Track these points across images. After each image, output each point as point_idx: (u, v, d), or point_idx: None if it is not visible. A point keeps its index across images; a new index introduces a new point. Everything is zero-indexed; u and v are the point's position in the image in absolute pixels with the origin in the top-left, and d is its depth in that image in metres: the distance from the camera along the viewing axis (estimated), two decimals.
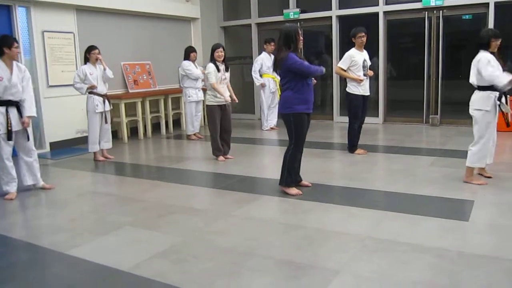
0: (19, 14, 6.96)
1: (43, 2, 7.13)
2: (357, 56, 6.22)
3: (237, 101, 6.46)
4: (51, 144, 7.41)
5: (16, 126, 4.80)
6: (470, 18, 8.75)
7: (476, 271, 2.89)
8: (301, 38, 4.61)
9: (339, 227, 3.76)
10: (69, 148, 7.52)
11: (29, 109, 4.87)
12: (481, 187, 4.69)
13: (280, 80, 4.76)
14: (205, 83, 6.22)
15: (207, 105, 6.24)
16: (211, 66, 6.11)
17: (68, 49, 7.62)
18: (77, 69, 7.63)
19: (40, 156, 5.63)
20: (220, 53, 6.14)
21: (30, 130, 4.98)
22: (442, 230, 3.59)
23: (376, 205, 4.26)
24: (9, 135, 4.74)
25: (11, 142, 4.83)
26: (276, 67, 4.67)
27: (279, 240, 3.56)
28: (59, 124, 7.40)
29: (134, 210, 4.41)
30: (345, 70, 6.27)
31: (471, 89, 4.82)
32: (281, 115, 4.76)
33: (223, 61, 6.23)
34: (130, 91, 8.62)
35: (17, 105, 4.82)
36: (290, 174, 4.68)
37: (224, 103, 6.21)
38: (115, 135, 8.11)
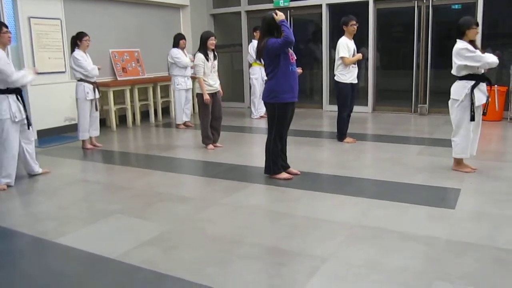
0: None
1: None
2: (349, 44, 6.22)
3: (221, 94, 6.43)
4: (39, 132, 7.31)
5: (19, 115, 4.77)
6: (460, 8, 8.77)
7: (463, 259, 2.93)
8: None
9: (328, 215, 3.79)
10: (57, 136, 7.45)
11: None
12: (468, 175, 4.74)
13: (265, 69, 4.73)
14: (194, 71, 6.17)
15: (198, 94, 6.20)
16: (200, 57, 6.05)
17: (55, 35, 7.51)
18: (65, 56, 7.59)
19: None
20: (213, 41, 6.11)
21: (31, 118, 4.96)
22: (430, 218, 3.64)
23: (365, 193, 4.30)
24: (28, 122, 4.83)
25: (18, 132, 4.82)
26: (260, 55, 4.62)
27: (267, 228, 3.59)
28: (47, 112, 7.31)
29: (123, 198, 4.40)
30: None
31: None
32: (265, 103, 4.73)
33: (213, 49, 6.20)
34: (119, 78, 8.54)
35: (21, 93, 4.79)
36: (275, 162, 4.71)
37: (215, 91, 6.19)
38: (104, 123, 8.05)
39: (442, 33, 8.76)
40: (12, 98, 4.69)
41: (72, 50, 6.30)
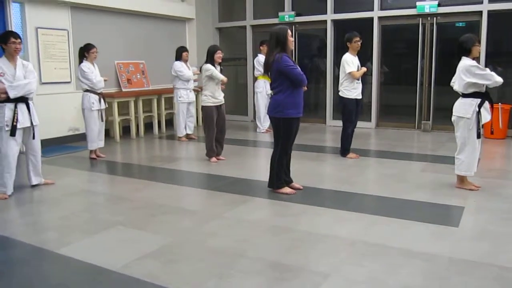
0: (13, 10, 6.91)
1: None
2: (354, 60, 6.26)
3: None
4: (43, 141, 7.27)
5: (24, 123, 4.77)
6: (464, 26, 8.82)
7: (466, 277, 2.91)
8: (292, 39, 4.63)
9: (330, 230, 3.76)
10: (61, 145, 7.47)
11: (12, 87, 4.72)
12: (472, 193, 4.72)
13: (271, 83, 4.75)
14: (204, 83, 6.20)
15: (203, 106, 6.23)
16: (209, 66, 6.12)
17: (61, 46, 7.58)
18: (70, 66, 7.65)
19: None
20: (220, 55, 6.20)
21: (36, 129, 4.93)
22: (432, 236, 3.61)
23: (367, 209, 4.28)
24: (12, 130, 4.70)
25: (19, 141, 4.81)
26: (268, 69, 4.67)
27: (269, 242, 3.56)
28: (51, 122, 7.34)
29: (126, 209, 4.39)
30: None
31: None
32: (270, 118, 4.75)
33: (219, 63, 6.27)
34: (123, 90, 8.59)
35: (27, 102, 4.80)
36: (279, 177, 4.70)
37: (220, 103, 6.22)
38: (107, 133, 8.04)
39: (446, 50, 8.79)
40: (9, 106, 4.66)
41: (80, 61, 6.35)
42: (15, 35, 4.78)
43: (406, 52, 9.55)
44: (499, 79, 4.54)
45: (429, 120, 8.88)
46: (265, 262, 3.18)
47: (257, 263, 3.15)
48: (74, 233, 3.78)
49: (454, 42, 8.84)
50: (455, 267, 3.06)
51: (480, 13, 8.15)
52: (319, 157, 6.77)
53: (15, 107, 4.68)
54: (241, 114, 10.87)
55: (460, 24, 8.91)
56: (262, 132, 8.96)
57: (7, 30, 4.98)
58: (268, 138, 8.50)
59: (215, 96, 6.15)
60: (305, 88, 4.73)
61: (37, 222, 4.14)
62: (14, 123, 4.69)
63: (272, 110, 4.63)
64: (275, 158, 4.70)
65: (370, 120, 9.39)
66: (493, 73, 4.56)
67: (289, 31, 4.54)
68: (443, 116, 8.81)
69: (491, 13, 8.07)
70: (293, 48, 4.72)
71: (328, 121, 9.91)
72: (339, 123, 6.63)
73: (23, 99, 4.78)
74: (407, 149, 7.30)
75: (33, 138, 4.92)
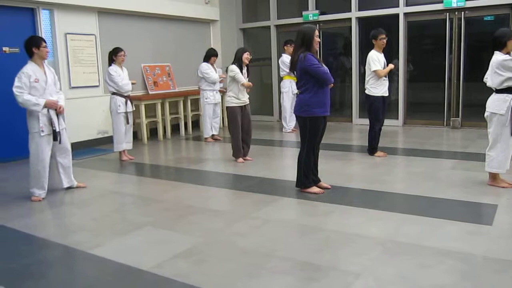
0: (43, 16, 7.09)
1: (66, 5, 7.25)
2: (380, 57, 6.18)
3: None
4: (73, 144, 7.43)
5: (57, 127, 4.85)
6: (492, 20, 8.61)
7: (501, 276, 2.84)
8: (318, 39, 4.60)
9: (359, 229, 3.73)
10: (90, 148, 7.63)
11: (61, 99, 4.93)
12: (505, 191, 4.61)
13: (297, 82, 4.74)
14: (228, 83, 6.24)
15: (228, 107, 6.27)
16: (234, 67, 6.15)
17: (89, 51, 7.73)
18: (98, 70, 7.80)
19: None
20: (248, 55, 6.26)
21: (64, 132, 4.99)
22: (465, 234, 3.54)
23: (397, 208, 4.22)
24: (54, 135, 4.80)
25: (51, 145, 4.87)
26: (293, 68, 4.66)
27: (298, 242, 3.56)
28: (81, 125, 7.51)
29: (155, 210, 4.45)
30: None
31: (492, 91, 4.74)
32: (297, 117, 4.74)
33: (247, 64, 6.30)
34: (150, 92, 8.70)
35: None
36: (307, 176, 4.69)
37: (244, 104, 6.25)
38: (135, 136, 8.18)
39: (474, 45, 8.61)
40: (42, 112, 4.71)
41: (109, 65, 6.48)
42: (44, 39, 4.89)
43: (433, 48, 9.38)
44: None
45: (458, 117, 8.70)
46: (295, 262, 3.17)
47: (286, 263, 3.14)
48: (105, 234, 3.85)
49: (483, 37, 8.83)
50: (490, 266, 2.99)
51: (510, 6, 7.95)
52: (346, 156, 6.72)
53: (48, 111, 4.78)
54: (266, 114, 10.87)
55: (489, 18, 8.70)
56: (288, 132, 8.94)
57: (32, 35, 5.04)
58: (294, 138, 8.48)
59: (238, 97, 6.18)
60: (332, 85, 4.69)
61: (69, 223, 4.24)
62: (54, 128, 4.79)
63: (298, 109, 4.63)
64: (302, 157, 4.68)
65: (397, 118, 9.25)
66: None
67: (316, 31, 4.52)
68: (472, 113, 8.64)
69: None
70: (318, 48, 4.64)
71: (354, 120, 9.81)
72: (366, 121, 6.56)
73: None
74: (436, 146, 7.17)
75: (59, 142, 4.91)
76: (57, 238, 3.78)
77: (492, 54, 4.66)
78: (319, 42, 4.62)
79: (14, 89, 4.61)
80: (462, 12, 8.43)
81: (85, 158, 6.98)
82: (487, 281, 2.79)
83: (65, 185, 5.18)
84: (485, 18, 8.71)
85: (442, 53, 8.75)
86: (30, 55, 4.75)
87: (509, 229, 3.67)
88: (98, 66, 7.84)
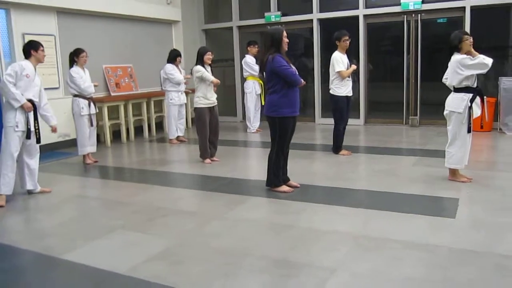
0: None
1: (23, 4, 7.01)
2: (343, 58, 6.33)
3: None
4: None
5: (32, 126, 4.85)
6: (446, 22, 8.98)
7: (467, 267, 2.98)
8: (287, 40, 4.67)
9: (331, 226, 3.82)
10: (52, 152, 7.40)
11: (53, 118, 5.21)
12: (465, 185, 4.83)
13: (266, 82, 4.79)
14: (196, 84, 6.21)
15: (196, 108, 6.24)
16: (200, 67, 6.12)
17: (48, 52, 7.43)
18: (58, 71, 7.59)
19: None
20: (209, 56, 6.21)
21: (35, 133, 4.94)
22: (431, 227, 3.69)
23: (364, 204, 4.35)
24: (28, 133, 4.82)
25: (23, 142, 4.86)
26: (262, 69, 4.71)
27: (272, 240, 3.60)
28: (41, 128, 7.23)
29: (124, 213, 4.38)
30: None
31: (449, 90, 4.95)
32: (266, 117, 4.79)
33: (210, 64, 6.28)
34: (112, 94, 8.54)
35: (35, 106, 4.88)
36: (277, 175, 4.75)
37: (213, 105, 6.24)
38: (98, 138, 7.98)
39: (430, 46, 8.95)
40: (20, 110, 4.76)
41: (71, 66, 6.31)
42: (42, 44, 5.04)
43: (392, 49, 9.70)
44: (489, 61, 4.56)
45: (417, 115, 9.01)
46: (270, 260, 3.22)
47: (262, 261, 3.19)
48: (76, 238, 3.76)
49: (438, 38, 9.18)
50: (456, 257, 3.14)
51: (463, 8, 8.31)
52: (312, 155, 6.84)
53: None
54: (230, 115, 10.88)
55: (441, 20, 9.07)
56: (253, 132, 8.99)
57: (32, 40, 5.16)
58: (259, 138, 8.55)
59: (207, 97, 6.17)
60: (304, 82, 4.76)
61: (37, 229, 4.12)
62: (28, 127, 4.80)
63: (267, 110, 4.68)
64: (272, 157, 4.74)
65: (358, 117, 9.48)
66: (483, 56, 4.57)
67: (284, 32, 4.59)
68: (429, 111, 8.98)
69: (473, 9, 8.23)
70: (287, 48, 4.71)
71: (317, 119, 9.98)
72: (329, 121, 6.72)
73: (32, 103, 4.87)
74: (397, 144, 7.41)
75: (38, 142, 4.97)
76: (24, 244, 3.67)
77: (450, 55, 4.86)
78: (288, 44, 4.66)
79: (5, 76, 4.72)
80: (419, 15, 8.75)
81: (47, 162, 6.76)
82: (455, 272, 2.92)
83: (28, 187, 5.03)
84: (438, 20, 9.07)
85: (400, 54, 9.06)
86: (27, 57, 4.90)
87: (471, 221, 3.86)
88: (58, 67, 7.63)
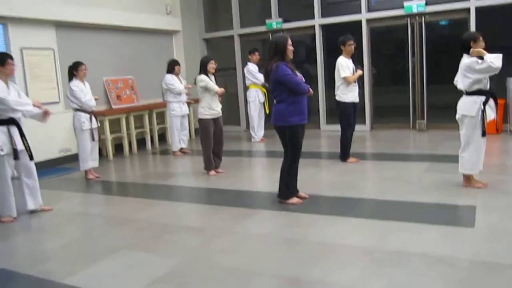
0: None
1: (21, 19, 6.91)
2: (348, 63, 6.18)
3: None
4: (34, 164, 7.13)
5: (18, 145, 4.63)
6: (450, 23, 8.84)
7: (491, 279, 2.81)
8: (292, 48, 4.53)
9: (344, 239, 3.65)
10: (53, 168, 7.26)
11: (36, 109, 4.79)
12: (481, 192, 4.65)
13: (272, 92, 4.65)
14: (200, 94, 6.07)
15: (200, 119, 6.09)
16: (203, 77, 5.98)
17: (47, 65, 7.40)
18: (58, 86, 7.48)
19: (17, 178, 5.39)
20: (213, 65, 6.09)
21: (25, 151, 4.76)
22: (449, 238, 3.51)
23: (378, 215, 4.17)
24: (15, 154, 4.60)
25: (11, 164, 4.68)
26: (267, 78, 4.58)
27: (284, 257, 3.42)
28: (41, 144, 7.10)
29: (129, 231, 4.22)
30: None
31: (456, 93, 4.79)
32: (275, 127, 4.65)
33: (213, 73, 6.15)
34: (114, 107, 8.41)
35: (18, 124, 4.66)
36: (288, 187, 4.59)
37: (218, 115, 6.10)
38: (99, 152, 7.85)
39: (435, 48, 8.79)
40: (1, 129, 4.54)
41: (70, 80, 6.18)
42: (11, 57, 4.75)
43: (396, 53, 9.55)
44: (497, 63, 4.37)
45: (424, 119, 8.84)
46: (283, 278, 3.04)
47: (275, 280, 3.01)
48: (78, 260, 3.59)
49: (443, 40, 9.03)
50: (479, 270, 2.96)
51: (468, 10, 8.16)
52: (319, 163, 6.68)
53: (8, 129, 4.54)
54: (233, 124, 10.73)
55: (443, 23, 8.92)
56: (257, 142, 8.83)
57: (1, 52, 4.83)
58: (264, 147, 8.40)
59: (212, 108, 6.02)
60: (311, 92, 4.63)
61: (38, 251, 3.95)
62: (14, 147, 4.58)
63: (275, 119, 4.53)
64: (284, 167, 4.57)
65: (364, 123, 9.31)
66: (488, 60, 4.38)
67: (289, 40, 4.45)
68: (437, 115, 8.82)
69: (478, 9, 8.08)
70: (293, 56, 4.57)
71: (322, 126, 9.82)
72: (334, 127, 6.56)
73: (14, 121, 4.63)
74: (406, 149, 7.24)
75: (30, 159, 4.76)
76: (24, 269, 3.50)
77: (461, 57, 4.70)
78: (293, 52, 4.52)
79: None
80: (423, 17, 8.60)
81: (48, 179, 6.61)
82: (479, 286, 2.74)
83: (30, 206, 4.87)
84: (441, 23, 8.92)
85: (405, 57, 8.92)
86: None
87: (491, 231, 3.67)
88: (57, 81, 7.52)
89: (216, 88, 6.01)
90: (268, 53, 4.57)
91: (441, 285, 2.78)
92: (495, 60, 4.39)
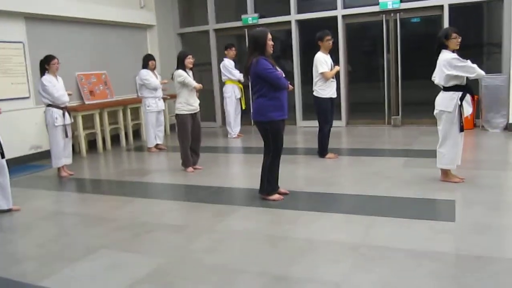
0: None
1: None
2: (326, 59, 6.16)
3: None
4: None
5: None
6: (422, 20, 8.95)
7: (479, 274, 2.82)
8: (271, 42, 4.47)
9: (329, 235, 3.62)
10: (23, 165, 7.00)
11: None
12: (458, 186, 4.71)
13: (251, 87, 4.59)
14: (177, 90, 5.95)
15: (177, 114, 5.97)
16: (180, 72, 5.86)
17: (17, 59, 7.13)
18: (28, 80, 7.22)
19: None
20: (190, 59, 5.99)
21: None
22: (433, 233, 3.53)
23: (361, 210, 4.16)
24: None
25: None
26: (247, 73, 4.51)
27: (269, 254, 3.37)
28: (11, 140, 6.79)
29: (107, 230, 4.08)
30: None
31: (430, 89, 4.84)
32: (255, 122, 4.59)
33: (191, 68, 6.04)
34: (86, 102, 8.18)
35: None
36: (270, 183, 4.53)
37: (196, 111, 6.00)
38: (72, 149, 7.63)
39: (410, 45, 8.89)
40: None
41: (42, 74, 5.95)
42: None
43: (371, 49, 9.61)
44: (480, 72, 4.52)
45: (399, 115, 8.93)
46: (270, 276, 2.98)
47: (261, 279, 2.95)
48: (55, 261, 3.45)
49: (417, 37, 9.14)
50: (466, 264, 2.98)
51: (441, 7, 8.28)
52: (297, 159, 6.65)
53: None
54: (208, 120, 10.60)
55: (415, 20, 9.02)
56: (234, 138, 8.75)
57: None
58: (241, 143, 8.33)
59: (190, 103, 5.91)
60: (291, 87, 4.59)
61: (11, 252, 3.77)
62: None
63: (255, 115, 4.47)
64: (266, 163, 4.51)
65: (340, 119, 9.35)
66: (474, 65, 4.53)
67: (269, 34, 4.38)
68: (411, 110, 8.92)
69: (452, 7, 8.20)
70: (272, 51, 4.51)
71: (298, 122, 9.80)
72: (310, 123, 6.53)
73: None
74: (382, 145, 7.30)
75: (2, 157, 4.56)
76: None
77: (438, 53, 4.74)
78: (273, 46, 4.46)
79: None
80: (397, 14, 8.68)
81: (19, 176, 6.36)
82: (468, 280, 2.75)
83: (3, 207, 4.67)
84: (413, 20, 9.01)
85: (380, 53, 8.98)
86: None
87: (472, 225, 3.70)
88: (27, 76, 7.24)
89: (194, 83, 5.90)
90: (248, 48, 4.50)
91: (430, 280, 2.78)
92: (476, 66, 4.48)
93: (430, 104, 4.78)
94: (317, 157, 6.45)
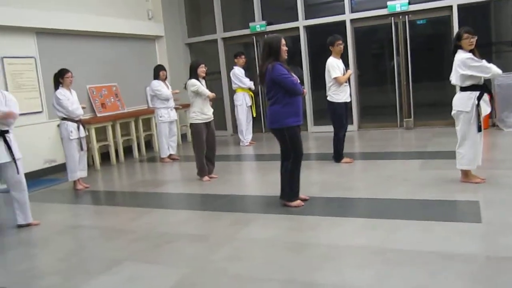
0: None
1: (0, 27, 6.65)
2: (338, 63, 6.13)
3: None
4: None
5: (3, 158, 4.44)
6: (431, 22, 8.90)
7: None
8: (285, 48, 4.45)
9: (352, 240, 3.57)
10: (38, 179, 7.00)
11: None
12: (480, 187, 4.63)
13: (266, 93, 4.56)
14: (191, 99, 5.94)
15: (192, 124, 5.96)
16: (193, 81, 5.85)
17: (29, 74, 7.16)
18: (41, 95, 7.25)
19: (7, 191, 5.16)
20: (203, 68, 5.99)
21: (19, 162, 4.58)
22: (460, 234, 3.46)
23: (382, 214, 4.10)
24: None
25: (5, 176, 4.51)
26: (262, 79, 4.48)
27: (294, 261, 3.32)
28: (25, 155, 6.81)
29: (127, 242, 4.05)
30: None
31: (441, 90, 4.80)
32: (271, 130, 4.56)
33: (204, 77, 6.04)
34: (98, 115, 8.19)
35: (4, 136, 4.47)
36: (292, 189, 4.48)
37: (210, 119, 5.98)
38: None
39: (420, 47, 8.84)
40: None
41: (56, 88, 5.97)
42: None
43: (381, 52, 9.59)
44: (496, 70, 4.46)
45: (411, 118, 8.86)
46: (298, 284, 2.93)
47: (289, 286, 2.90)
48: (77, 275, 3.42)
49: (427, 39, 9.09)
50: (497, 266, 2.92)
51: (450, 7, 8.23)
52: (312, 164, 6.60)
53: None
54: (220, 128, 10.56)
55: (421, 22, 8.97)
56: (246, 146, 8.72)
57: None
58: (253, 151, 8.30)
59: (204, 112, 5.90)
60: (305, 91, 4.56)
61: (31, 267, 3.74)
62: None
63: (271, 122, 4.44)
64: (287, 169, 4.46)
65: (352, 123, 9.28)
66: (490, 65, 4.47)
67: (282, 40, 4.38)
68: (423, 112, 8.85)
69: (461, 7, 8.16)
70: (287, 56, 4.50)
71: (310, 128, 9.75)
72: (322, 128, 6.47)
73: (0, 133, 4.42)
74: (397, 148, 7.24)
75: (17, 172, 4.54)
76: (21, 286, 3.31)
77: (454, 53, 4.70)
78: (287, 52, 4.45)
79: None
80: (406, 16, 8.64)
81: (34, 191, 6.34)
82: (501, 283, 2.69)
83: (20, 221, 4.67)
84: (418, 22, 8.96)
85: (390, 56, 8.95)
86: None
87: (499, 225, 3.62)
88: (40, 90, 7.28)
89: (207, 92, 5.90)
90: (262, 54, 4.49)
91: (461, 284, 2.72)
92: (492, 66, 4.43)
93: (442, 106, 4.74)
94: (332, 162, 6.40)
